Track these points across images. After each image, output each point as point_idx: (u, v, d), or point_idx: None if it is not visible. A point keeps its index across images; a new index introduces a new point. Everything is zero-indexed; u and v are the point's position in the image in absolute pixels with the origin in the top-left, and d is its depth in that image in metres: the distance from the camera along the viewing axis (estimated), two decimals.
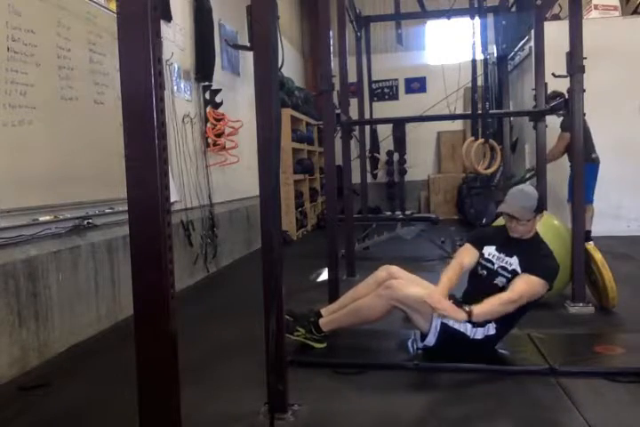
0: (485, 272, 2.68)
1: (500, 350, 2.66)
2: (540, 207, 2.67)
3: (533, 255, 2.59)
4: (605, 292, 3.34)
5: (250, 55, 2.04)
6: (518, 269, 2.56)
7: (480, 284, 2.68)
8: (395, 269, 2.87)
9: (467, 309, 2.40)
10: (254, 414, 2.10)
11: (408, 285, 2.68)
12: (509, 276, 2.58)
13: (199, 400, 2.23)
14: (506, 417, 2.08)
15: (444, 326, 2.54)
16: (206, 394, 2.32)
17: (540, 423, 2.05)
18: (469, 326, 2.52)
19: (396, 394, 2.32)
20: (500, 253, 2.68)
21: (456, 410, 2.17)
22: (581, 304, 3.42)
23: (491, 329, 2.54)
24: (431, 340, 2.59)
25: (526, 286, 2.48)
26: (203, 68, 5.05)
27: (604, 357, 2.58)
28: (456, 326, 2.53)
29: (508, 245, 2.69)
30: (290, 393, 2.15)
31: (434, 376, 2.46)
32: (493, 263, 2.66)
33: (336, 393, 2.34)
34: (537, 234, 2.72)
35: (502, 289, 2.55)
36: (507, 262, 2.62)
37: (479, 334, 2.53)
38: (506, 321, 2.56)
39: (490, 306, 2.44)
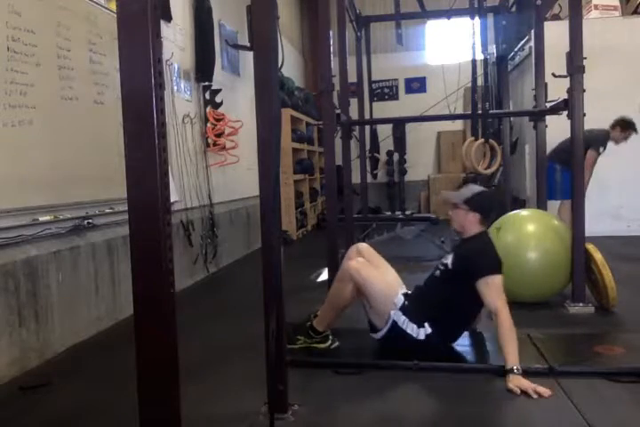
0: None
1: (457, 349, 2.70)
2: (479, 206, 2.65)
3: (466, 252, 2.65)
4: (605, 292, 3.34)
5: (250, 55, 2.04)
6: (449, 264, 2.65)
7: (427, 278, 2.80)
8: (363, 246, 2.88)
9: (515, 368, 2.29)
10: (254, 414, 2.10)
11: (366, 269, 2.66)
12: (442, 268, 2.70)
13: (199, 400, 2.23)
14: (506, 417, 2.08)
15: (394, 324, 2.61)
16: (206, 394, 2.32)
17: (540, 423, 2.05)
18: (415, 326, 2.58)
19: (396, 394, 2.33)
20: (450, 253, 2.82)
21: (456, 410, 2.17)
22: (581, 304, 3.42)
23: (427, 328, 2.58)
24: (380, 334, 2.66)
25: (492, 287, 2.46)
26: (203, 68, 5.05)
27: (604, 357, 2.58)
28: (404, 326, 2.59)
29: (457, 245, 2.91)
30: (290, 393, 2.15)
31: (434, 376, 2.46)
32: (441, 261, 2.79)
33: (336, 393, 2.34)
34: (481, 234, 2.69)
35: (438, 279, 2.68)
36: (446, 258, 2.74)
37: (422, 334, 2.58)
38: (434, 318, 2.59)
39: (504, 330, 2.37)
